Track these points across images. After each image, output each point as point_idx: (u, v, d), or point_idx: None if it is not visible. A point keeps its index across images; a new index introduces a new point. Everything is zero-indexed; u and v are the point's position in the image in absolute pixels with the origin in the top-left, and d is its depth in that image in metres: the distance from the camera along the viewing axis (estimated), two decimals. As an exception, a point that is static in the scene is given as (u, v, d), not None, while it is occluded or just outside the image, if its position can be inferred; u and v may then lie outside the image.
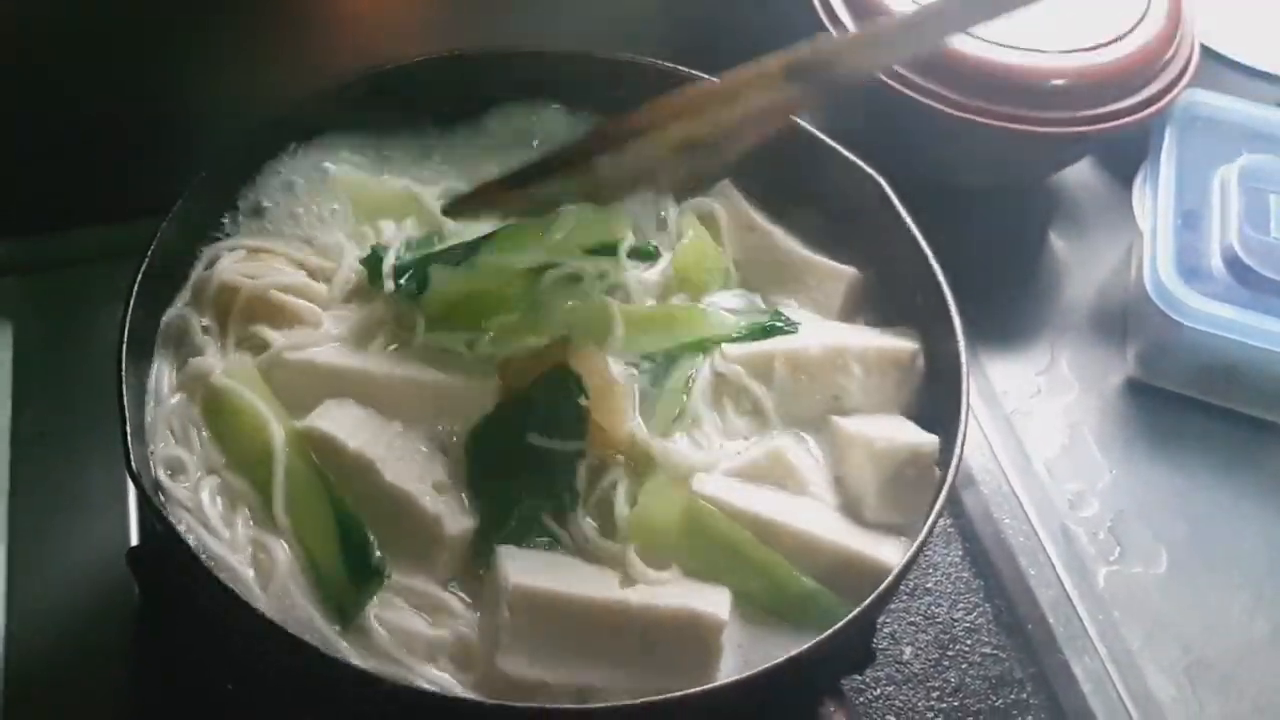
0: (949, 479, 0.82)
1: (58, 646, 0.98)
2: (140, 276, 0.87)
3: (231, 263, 0.93)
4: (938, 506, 0.81)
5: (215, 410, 0.87)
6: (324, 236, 0.97)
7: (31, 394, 1.12)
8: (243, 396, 0.86)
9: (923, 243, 0.94)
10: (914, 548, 0.80)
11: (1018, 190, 1.39)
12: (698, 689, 0.73)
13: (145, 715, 0.96)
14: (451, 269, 0.89)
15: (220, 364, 0.89)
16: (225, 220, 0.98)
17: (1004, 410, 1.22)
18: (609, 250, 0.91)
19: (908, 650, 1.05)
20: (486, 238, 0.90)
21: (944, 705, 1.03)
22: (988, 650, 1.07)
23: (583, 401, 0.86)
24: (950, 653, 1.06)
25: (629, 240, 0.93)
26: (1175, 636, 1.09)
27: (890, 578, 0.78)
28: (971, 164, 1.29)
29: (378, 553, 0.82)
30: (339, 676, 0.74)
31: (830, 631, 0.75)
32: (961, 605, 1.09)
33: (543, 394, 0.87)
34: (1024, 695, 1.05)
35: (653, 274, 0.98)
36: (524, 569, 0.80)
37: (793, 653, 0.74)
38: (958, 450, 0.83)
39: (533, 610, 0.78)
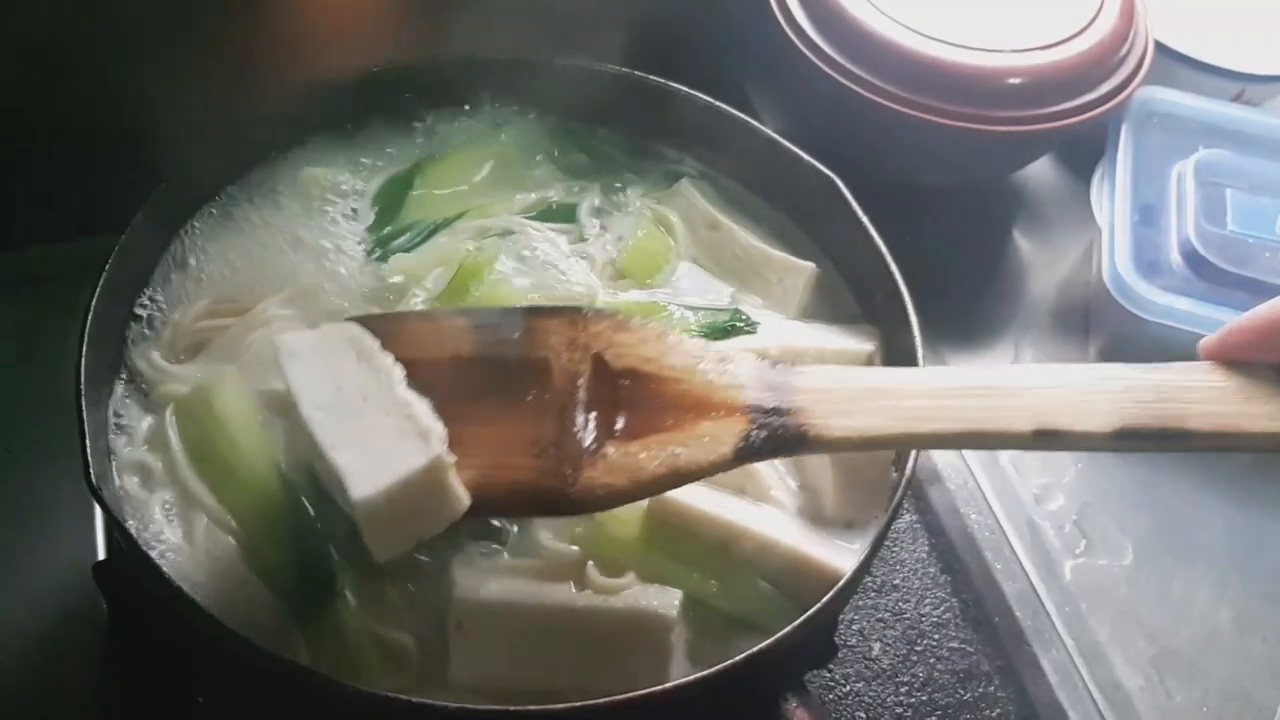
0: (903, 485, 0.83)
1: (25, 663, 0.98)
2: (98, 291, 0.88)
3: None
4: (892, 508, 0.82)
5: (185, 422, 0.88)
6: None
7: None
8: (214, 407, 0.87)
9: (878, 240, 0.95)
10: (867, 552, 0.81)
11: (979, 188, 1.41)
12: (659, 687, 0.74)
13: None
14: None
15: (184, 380, 0.90)
16: (183, 233, 0.99)
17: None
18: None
19: (876, 646, 1.06)
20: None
21: (912, 700, 1.04)
22: (955, 644, 1.07)
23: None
24: (918, 648, 1.07)
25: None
26: (1141, 627, 1.10)
27: (842, 582, 0.80)
28: (931, 164, 1.31)
29: (334, 562, 0.83)
30: (305, 684, 0.74)
31: (784, 631, 0.76)
32: (929, 600, 1.09)
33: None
34: (992, 688, 1.05)
35: (599, 263, 1.00)
36: (472, 580, 0.81)
37: (751, 650, 0.75)
38: (913, 453, 0.84)
39: (481, 621, 0.79)
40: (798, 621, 0.76)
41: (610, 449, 0.77)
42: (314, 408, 0.77)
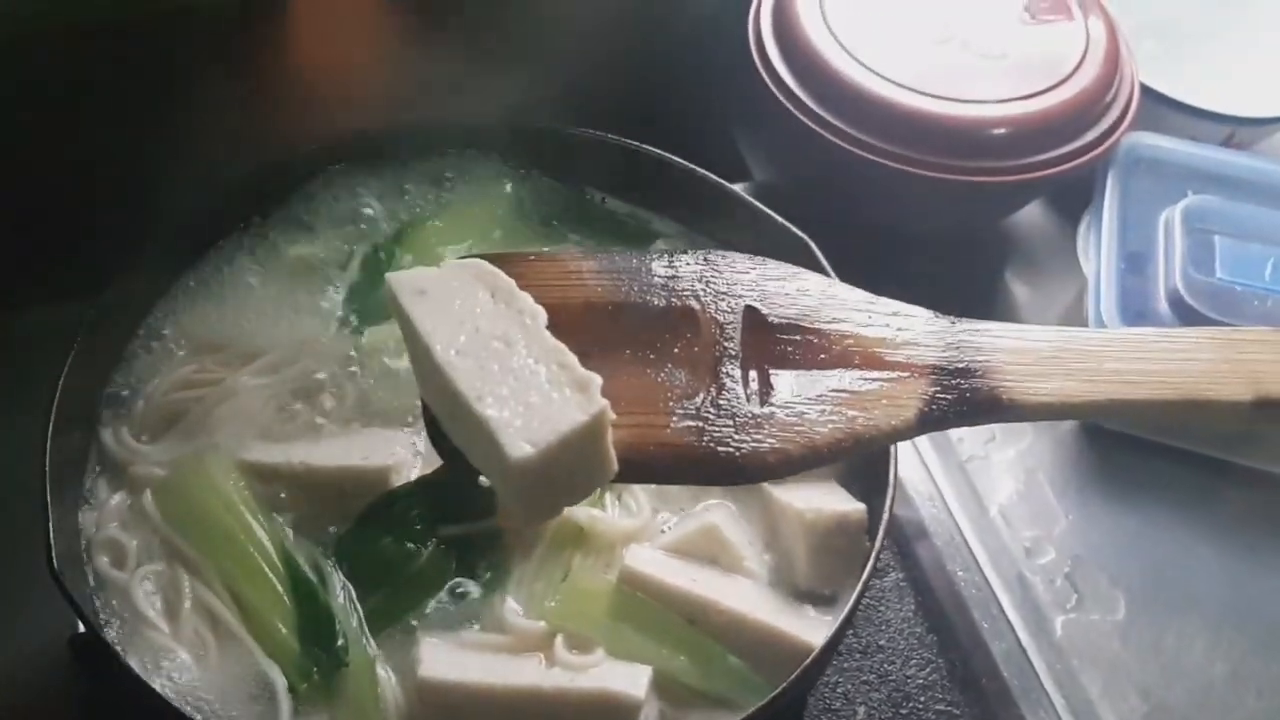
0: (872, 556, 0.82)
1: (1, 730, 0.98)
2: (67, 367, 0.88)
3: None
4: (863, 580, 0.81)
5: (169, 502, 0.88)
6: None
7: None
8: (197, 487, 0.88)
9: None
10: (837, 625, 0.80)
11: (967, 235, 1.39)
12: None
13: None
14: None
15: (158, 461, 0.90)
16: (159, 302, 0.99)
17: (958, 458, 1.22)
18: None
19: (861, 710, 1.04)
20: None
21: (899, 766, 1.02)
22: (942, 707, 1.06)
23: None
24: (903, 711, 1.05)
25: None
26: (1134, 683, 1.08)
27: (811, 657, 0.78)
28: (917, 214, 1.29)
29: (341, 640, 0.82)
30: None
31: (750, 711, 0.75)
32: (915, 661, 1.08)
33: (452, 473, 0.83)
34: (981, 752, 1.04)
35: None
36: (438, 658, 0.80)
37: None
38: (882, 527, 0.83)
39: (445, 701, 0.78)
40: (764, 701, 0.75)
41: (776, 410, 0.70)
42: (451, 352, 0.69)
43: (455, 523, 0.87)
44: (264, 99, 1.13)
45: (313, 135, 1.07)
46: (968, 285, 1.37)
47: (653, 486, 0.91)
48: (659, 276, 0.75)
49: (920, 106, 1.20)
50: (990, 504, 1.19)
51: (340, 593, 0.85)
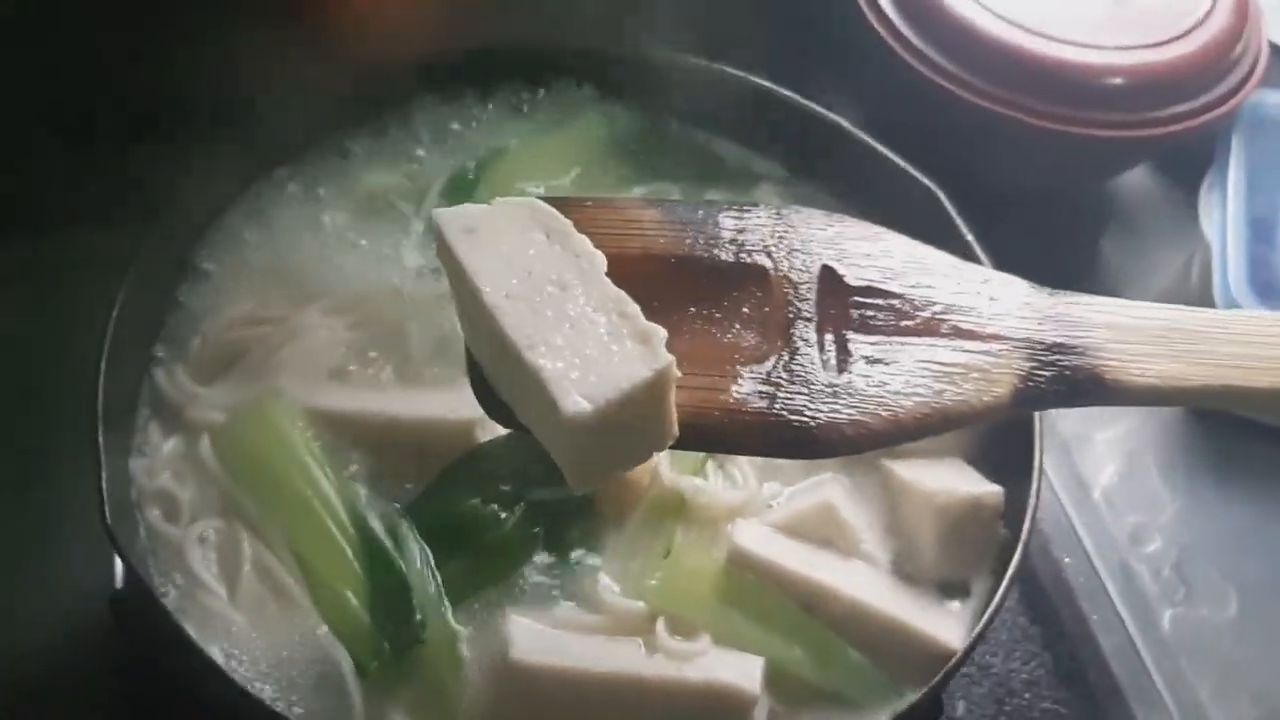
0: (1020, 547, 0.75)
1: (34, 698, 0.90)
2: (120, 300, 0.81)
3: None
4: (1010, 574, 0.74)
5: (230, 452, 0.81)
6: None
7: (9, 410, 1.04)
8: (259, 434, 0.80)
9: (982, 258, 0.85)
10: (980, 625, 0.73)
11: (1068, 196, 1.30)
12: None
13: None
14: None
15: (215, 405, 0.82)
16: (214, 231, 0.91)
17: (1060, 436, 1.13)
18: None
19: (961, 705, 0.97)
20: None
21: (1000, 766, 0.95)
22: (1047, 705, 0.98)
23: None
24: (1007, 708, 0.97)
25: None
26: (1247, 686, 1.01)
27: (953, 661, 0.72)
28: (1020, 167, 1.21)
29: (417, 614, 0.75)
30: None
31: (899, 711, 0.69)
32: (1018, 654, 1.00)
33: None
34: (1087, 755, 0.96)
35: None
36: (530, 639, 0.72)
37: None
38: (1030, 509, 0.75)
39: (534, 687, 0.71)
40: (902, 708, 0.68)
41: (855, 379, 0.65)
42: (501, 296, 0.63)
43: (545, 487, 0.78)
44: (336, 20, 1.04)
45: (388, 59, 0.98)
46: (1064, 250, 1.29)
47: (759, 458, 0.82)
48: (727, 230, 0.70)
49: (1034, 48, 1.12)
50: (1093, 487, 1.11)
51: (417, 560, 0.76)
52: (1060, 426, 1.14)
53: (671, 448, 0.64)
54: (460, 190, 0.94)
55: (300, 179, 0.95)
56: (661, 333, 0.62)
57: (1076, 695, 0.99)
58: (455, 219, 0.66)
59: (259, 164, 0.94)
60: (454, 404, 0.81)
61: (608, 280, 0.64)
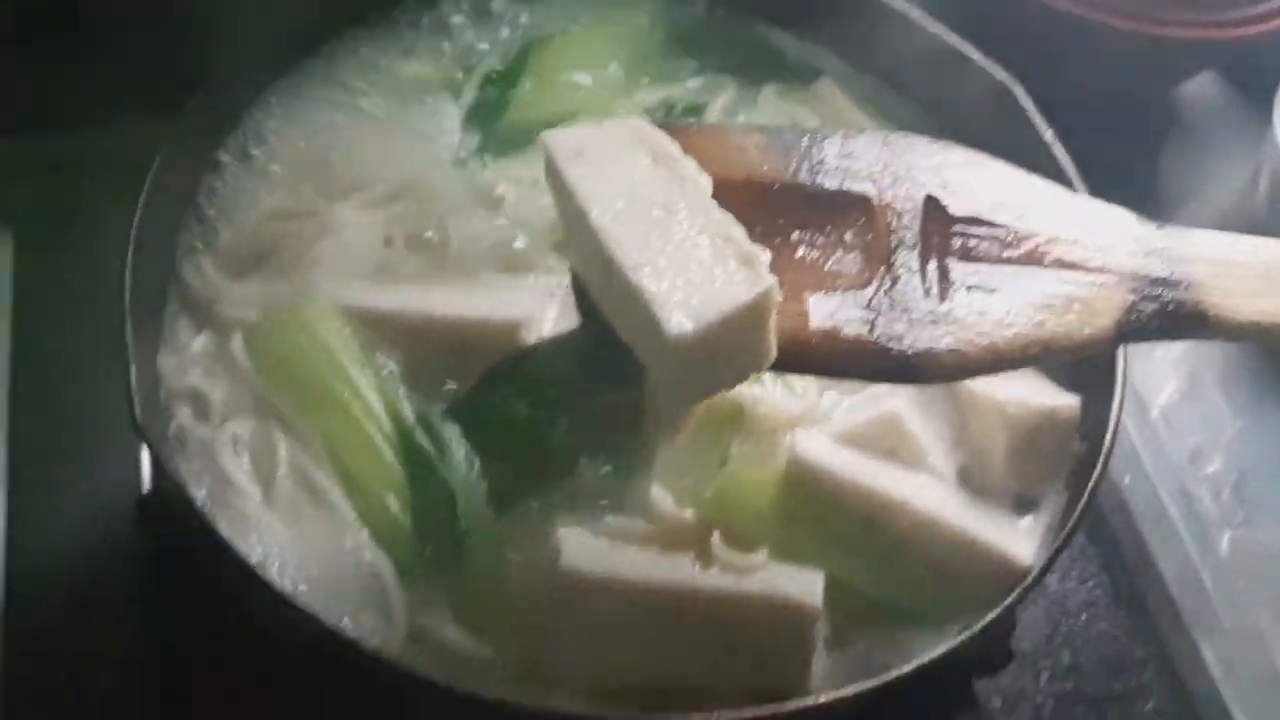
0: (1101, 459, 0.71)
1: (62, 603, 0.88)
2: (147, 188, 0.76)
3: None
4: (1090, 489, 0.71)
5: (265, 350, 0.77)
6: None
7: (35, 312, 1.01)
8: (294, 332, 0.76)
9: (1065, 162, 0.80)
10: (1058, 541, 0.70)
11: (1129, 103, 1.25)
12: (812, 701, 0.63)
13: (157, 678, 0.86)
14: None
15: (247, 301, 0.79)
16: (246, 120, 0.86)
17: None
18: None
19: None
20: None
21: (1054, 689, 0.92)
22: (1104, 627, 0.95)
23: None
24: (1062, 629, 0.95)
25: None
26: (1307, 614, 0.98)
27: (1030, 579, 0.69)
28: (1080, 70, 1.14)
29: (462, 521, 0.72)
30: (376, 670, 0.63)
31: (963, 637, 0.65)
32: (1075, 575, 0.97)
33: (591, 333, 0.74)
34: (1145, 678, 0.93)
35: None
36: (580, 549, 0.69)
37: (924, 659, 0.63)
38: (1112, 426, 0.71)
39: (583, 598, 0.68)
40: (980, 624, 0.65)
41: (956, 307, 0.65)
42: (608, 218, 0.64)
43: (595, 392, 0.75)
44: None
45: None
46: (1126, 160, 1.23)
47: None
48: (831, 157, 0.70)
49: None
50: (1152, 406, 1.07)
51: (462, 464, 0.73)
52: (1118, 343, 1.10)
53: (770, 370, 0.65)
54: (504, 79, 0.89)
55: (333, 68, 0.90)
56: (765, 255, 0.63)
57: (1134, 618, 0.96)
58: (563, 142, 0.68)
59: (290, 54, 0.89)
60: (497, 304, 0.77)
61: (713, 203, 0.65)
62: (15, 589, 0.88)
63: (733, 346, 0.62)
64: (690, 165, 0.66)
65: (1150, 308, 0.65)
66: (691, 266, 0.62)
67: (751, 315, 0.61)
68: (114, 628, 0.87)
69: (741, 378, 0.65)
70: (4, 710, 0.84)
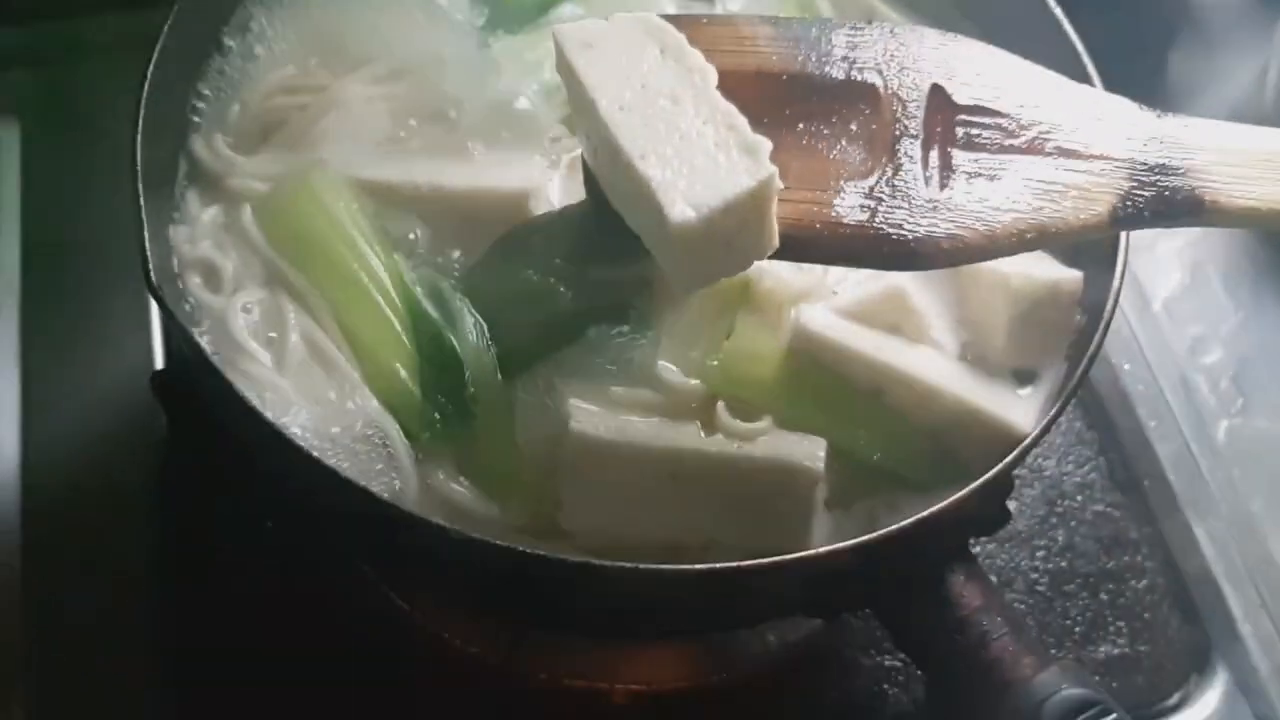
0: (1101, 328, 0.72)
1: (79, 480, 0.90)
2: (155, 58, 0.76)
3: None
4: (1088, 357, 0.72)
5: (274, 221, 0.77)
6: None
7: (44, 199, 1.02)
8: (303, 204, 0.76)
9: (1077, 43, 0.80)
10: (1055, 408, 0.71)
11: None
12: (814, 552, 0.64)
13: (176, 554, 0.88)
14: None
15: (256, 174, 0.79)
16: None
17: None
18: None
19: (1011, 505, 0.94)
20: None
21: (1049, 566, 0.94)
22: (1100, 508, 0.98)
23: None
24: (1058, 509, 0.97)
25: None
26: (1301, 501, 1.00)
27: (1027, 441, 0.70)
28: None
29: (470, 388, 0.73)
30: (394, 521, 0.65)
31: (960, 494, 0.66)
32: (1072, 458, 0.99)
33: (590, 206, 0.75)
34: (1139, 557, 0.96)
35: None
36: (589, 415, 0.70)
37: (921, 514, 0.64)
38: (1113, 297, 0.73)
39: (591, 463, 0.69)
40: (975, 484, 0.66)
41: (956, 194, 0.66)
42: (615, 108, 0.66)
43: (602, 264, 0.75)
44: None
45: None
46: (1132, 55, 1.22)
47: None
48: (839, 48, 0.71)
49: None
50: (1154, 297, 1.08)
51: (471, 332, 0.74)
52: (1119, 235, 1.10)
53: (771, 257, 0.66)
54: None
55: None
56: (766, 145, 0.64)
57: (1129, 500, 0.98)
58: (574, 35, 0.69)
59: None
60: (504, 174, 0.78)
61: (718, 94, 0.66)
62: (32, 469, 0.90)
63: (735, 233, 0.64)
64: (697, 57, 0.67)
65: (1147, 194, 0.66)
66: (696, 155, 0.64)
67: (753, 203, 0.63)
68: (130, 505, 0.89)
69: (744, 264, 0.67)
70: (23, 591, 0.86)
